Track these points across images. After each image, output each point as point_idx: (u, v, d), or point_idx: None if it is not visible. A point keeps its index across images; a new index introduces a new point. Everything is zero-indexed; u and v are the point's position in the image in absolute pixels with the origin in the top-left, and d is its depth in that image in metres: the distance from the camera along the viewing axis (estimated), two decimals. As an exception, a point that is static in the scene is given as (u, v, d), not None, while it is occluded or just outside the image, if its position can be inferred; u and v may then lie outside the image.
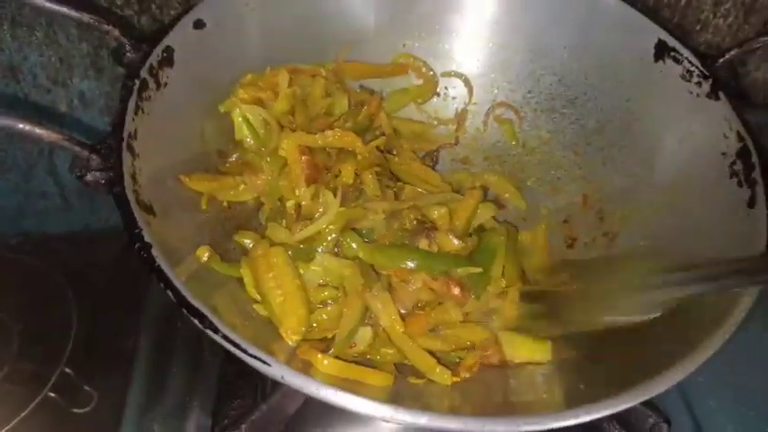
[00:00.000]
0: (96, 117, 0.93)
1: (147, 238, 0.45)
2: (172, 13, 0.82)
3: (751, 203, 0.54)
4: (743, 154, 0.57)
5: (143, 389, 0.68)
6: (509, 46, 0.76)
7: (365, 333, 0.55)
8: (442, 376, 0.53)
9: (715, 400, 0.67)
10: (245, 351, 0.41)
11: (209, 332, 0.42)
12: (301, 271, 0.57)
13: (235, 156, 0.65)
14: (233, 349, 0.41)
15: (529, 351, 0.56)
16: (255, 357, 0.41)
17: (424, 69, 0.77)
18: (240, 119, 0.64)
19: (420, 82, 0.78)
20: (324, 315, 0.56)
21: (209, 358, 0.69)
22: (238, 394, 0.62)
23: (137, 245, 0.45)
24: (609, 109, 0.71)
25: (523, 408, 0.49)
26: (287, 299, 0.54)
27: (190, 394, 0.66)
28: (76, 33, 0.84)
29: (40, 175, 0.98)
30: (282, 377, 0.41)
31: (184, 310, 0.42)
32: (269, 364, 0.41)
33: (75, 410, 0.70)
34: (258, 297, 0.55)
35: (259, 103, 0.66)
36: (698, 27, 0.93)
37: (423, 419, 0.40)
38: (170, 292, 0.43)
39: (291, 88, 0.68)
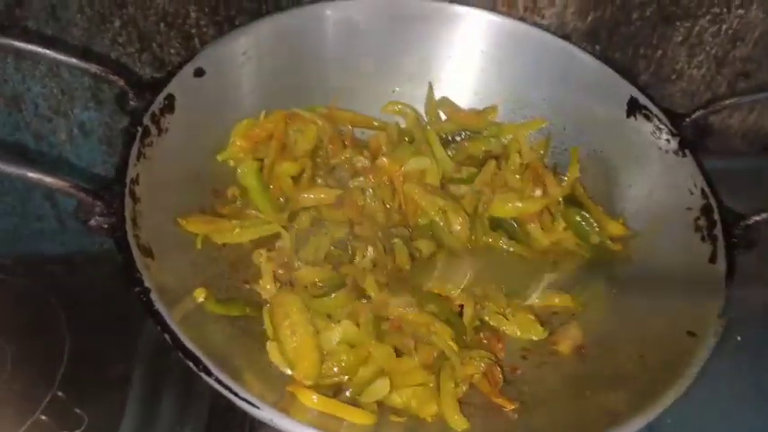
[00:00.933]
0: (95, 146, 0.96)
1: (146, 283, 0.48)
2: (171, 51, 0.85)
3: (712, 259, 0.58)
4: (706, 210, 0.61)
5: (135, 417, 0.70)
6: (493, 95, 0.80)
7: (383, 384, 0.57)
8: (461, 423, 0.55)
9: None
10: (236, 394, 0.44)
11: (203, 375, 0.45)
12: (324, 329, 0.59)
13: (238, 200, 0.69)
14: (225, 392, 0.44)
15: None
16: (245, 400, 0.44)
17: (412, 115, 0.81)
18: (254, 179, 0.68)
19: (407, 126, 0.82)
20: (342, 362, 0.58)
21: (201, 388, 0.71)
22: (228, 426, 0.64)
23: (137, 289, 0.48)
24: (585, 160, 0.75)
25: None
26: (300, 344, 0.57)
27: (181, 424, 0.69)
28: (79, 70, 0.87)
29: (36, 199, 1.01)
30: (272, 420, 0.44)
31: (180, 353, 0.46)
32: (258, 407, 0.44)
33: (66, 433, 0.72)
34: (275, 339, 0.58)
35: (256, 149, 0.71)
36: (673, 77, 0.98)
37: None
38: (167, 335, 0.46)
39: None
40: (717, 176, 0.66)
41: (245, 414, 0.64)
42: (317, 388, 0.55)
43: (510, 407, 0.56)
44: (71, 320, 0.83)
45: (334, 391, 0.57)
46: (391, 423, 0.55)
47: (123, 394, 0.73)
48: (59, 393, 0.75)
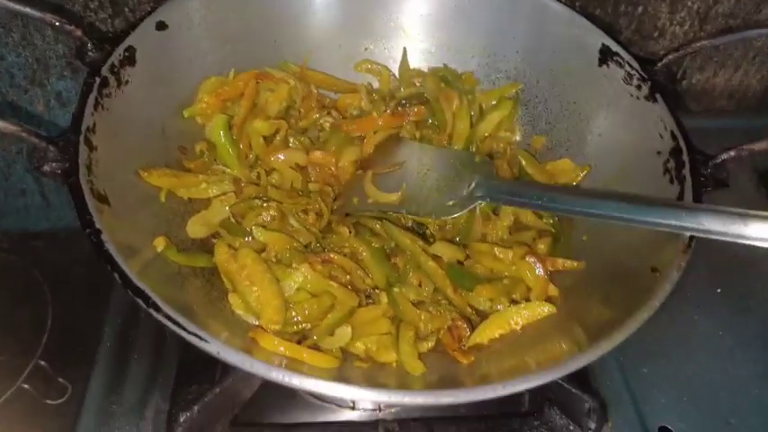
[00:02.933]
0: (73, 117, 0.95)
1: (97, 225, 0.48)
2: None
3: (680, 198, 0.57)
4: (675, 153, 0.60)
5: (106, 377, 0.70)
6: (466, 50, 0.79)
7: (345, 331, 0.58)
8: (418, 368, 0.55)
9: (658, 391, 0.70)
10: (184, 328, 0.44)
11: (152, 311, 0.44)
12: (283, 279, 0.59)
13: (205, 155, 0.68)
14: (173, 327, 0.44)
15: None
16: (193, 334, 0.43)
17: (384, 74, 0.80)
18: (222, 132, 0.67)
19: (380, 86, 0.81)
20: (306, 310, 0.58)
21: (171, 348, 0.71)
22: (196, 380, 0.64)
23: (87, 230, 0.47)
24: (558, 111, 0.74)
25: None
26: (262, 293, 0.57)
27: (151, 382, 0.69)
28: (53, 35, 0.87)
29: (19, 173, 1.01)
30: (219, 353, 0.43)
31: (129, 291, 0.45)
32: (207, 341, 0.43)
33: (49, 402, 0.72)
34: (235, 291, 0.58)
35: (224, 108, 0.70)
36: (655, 34, 0.97)
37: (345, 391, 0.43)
38: (116, 275, 0.46)
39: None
40: (703, 136, 0.64)
41: (212, 372, 0.64)
42: (280, 335, 0.55)
43: (465, 361, 0.55)
44: (54, 293, 0.83)
45: (298, 339, 0.56)
46: (354, 368, 0.55)
47: (96, 359, 0.73)
48: (42, 362, 0.75)
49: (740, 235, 0.49)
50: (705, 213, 0.51)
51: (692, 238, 0.52)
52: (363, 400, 0.53)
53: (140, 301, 0.45)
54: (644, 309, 0.48)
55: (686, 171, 0.58)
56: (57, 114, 0.95)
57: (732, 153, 0.57)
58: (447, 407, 0.66)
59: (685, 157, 0.59)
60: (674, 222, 0.52)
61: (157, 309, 0.44)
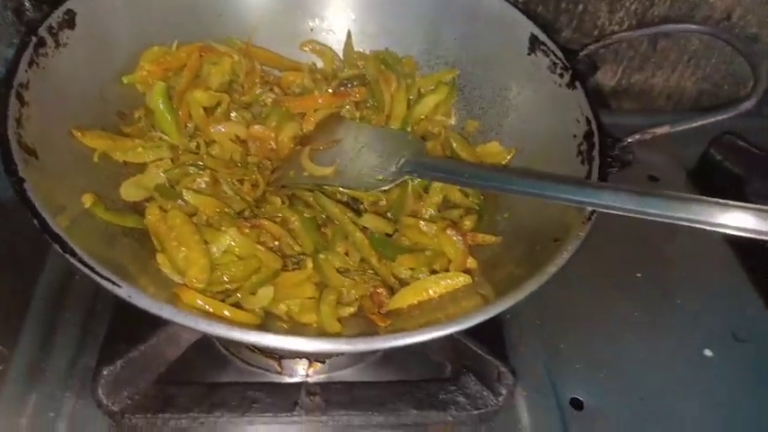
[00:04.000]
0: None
1: (20, 173, 0.49)
2: None
3: (587, 177, 0.61)
4: (588, 136, 0.64)
5: (36, 337, 0.71)
6: (407, 35, 0.82)
7: (267, 291, 0.60)
8: (335, 327, 0.58)
9: (574, 366, 0.73)
10: (97, 273, 0.45)
11: (68, 257, 0.46)
12: (211, 241, 0.61)
13: (143, 121, 0.70)
14: (87, 272, 0.46)
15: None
16: (106, 278, 0.45)
17: (328, 54, 0.83)
18: (161, 99, 0.68)
19: (323, 66, 0.83)
20: (232, 271, 0.60)
21: (103, 310, 0.73)
22: (125, 340, 0.65)
23: (11, 178, 0.49)
24: (490, 97, 0.78)
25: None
26: (189, 253, 0.59)
27: (82, 342, 0.70)
28: (2, 2, 0.87)
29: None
30: (130, 297, 0.45)
31: (48, 238, 0.47)
32: (119, 285, 0.45)
33: (-14, 369, 0.72)
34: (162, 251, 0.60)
35: (165, 77, 0.71)
36: (595, 32, 1.01)
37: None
38: (36, 221, 0.47)
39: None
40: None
41: (141, 334, 0.66)
42: (205, 294, 0.57)
43: (382, 324, 0.58)
44: (-1, 263, 0.83)
45: (222, 298, 0.58)
46: (276, 326, 0.57)
47: (24, 324, 0.74)
48: (-22, 329, 0.75)
49: (635, 210, 0.53)
50: (606, 191, 0.55)
51: (592, 212, 0.56)
52: (274, 347, 0.55)
53: (57, 247, 0.46)
54: (543, 272, 0.52)
55: (595, 152, 0.62)
56: (5, 82, 0.95)
57: (637, 136, 0.61)
58: (370, 371, 0.69)
59: (596, 140, 0.63)
60: (577, 198, 0.56)
61: (73, 254, 0.46)
